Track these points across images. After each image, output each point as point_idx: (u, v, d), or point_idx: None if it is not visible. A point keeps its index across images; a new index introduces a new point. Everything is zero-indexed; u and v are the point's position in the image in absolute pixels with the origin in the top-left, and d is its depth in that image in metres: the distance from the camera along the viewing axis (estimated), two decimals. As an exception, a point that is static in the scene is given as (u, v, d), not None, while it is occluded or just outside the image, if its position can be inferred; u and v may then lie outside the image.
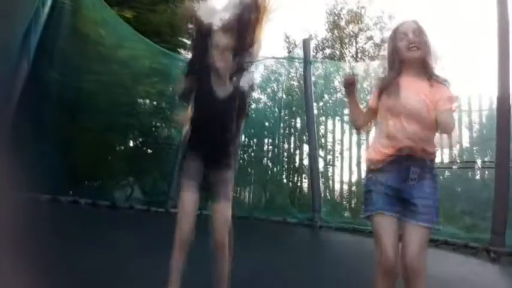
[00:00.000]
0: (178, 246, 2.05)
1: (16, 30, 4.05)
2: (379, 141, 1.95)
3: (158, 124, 7.51)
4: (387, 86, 1.97)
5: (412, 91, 1.92)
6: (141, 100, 7.03)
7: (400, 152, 1.85)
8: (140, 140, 7.37)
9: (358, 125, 2.18)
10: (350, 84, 2.10)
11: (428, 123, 1.87)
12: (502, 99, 4.41)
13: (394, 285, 1.83)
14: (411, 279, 1.77)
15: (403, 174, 1.89)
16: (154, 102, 7.23)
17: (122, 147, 7.22)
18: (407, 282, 1.78)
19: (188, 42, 7.70)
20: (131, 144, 7.41)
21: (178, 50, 7.16)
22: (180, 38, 7.31)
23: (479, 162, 6.25)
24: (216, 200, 2.32)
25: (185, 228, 2.08)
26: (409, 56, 1.94)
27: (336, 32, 13.30)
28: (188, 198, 2.22)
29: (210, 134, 2.20)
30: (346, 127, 7.22)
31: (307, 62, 6.53)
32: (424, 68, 1.96)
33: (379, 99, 1.99)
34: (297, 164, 7.53)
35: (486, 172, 5.97)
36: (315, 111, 6.97)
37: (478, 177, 6.28)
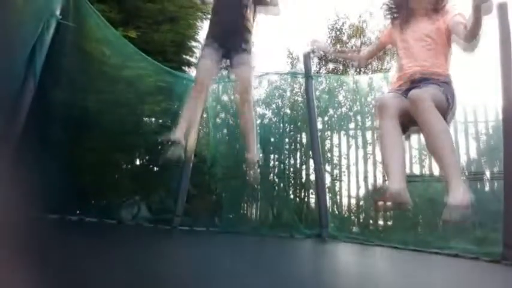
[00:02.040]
0: (196, 87, 2.75)
1: (22, 52, 4.11)
2: (396, 75, 2.19)
3: (164, 142, 7.53)
4: (399, 21, 2.18)
5: (422, 23, 2.10)
6: (146, 118, 7.08)
7: (413, 78, 2.02)
8: (146, 158, 7.39)
9: (360, 62, 2.48)
10: (316, 45, 2.37)
11: (439, 47, 2.04)
12: (507, 109, 4.39)
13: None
14: (417, 107, 1.85)
15: None
16: (160, 120, 7.27)
17: (128, 166, 7.24)
18: (415, 114, 1.89)
19: (192, 60, 7.81)
20: (137, 162, 7.43)
21: (183, 67, 7.23)
22: (184, 56, 7.40)
23: (487, 173, 6.19)
24: (235, 66, 2.89)
25: (203, 74, 2.76)
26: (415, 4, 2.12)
27: (338, 46, 13.38)
28: (205, 62, 2.81)
29: (229, 21, 2.71)
30: (352, 141, 7.21)
31: (308, 76, 6.56)
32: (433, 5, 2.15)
33: (390, 35, 2.22)
34: (303, 180, 7.49)
35: (495, 183, 5.91)
36: (320, 126, 6.97)
37: (487, 188, 6.21)
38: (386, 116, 2.02)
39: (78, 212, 5.28)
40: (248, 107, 2.86)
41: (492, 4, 2.05)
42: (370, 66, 13.17)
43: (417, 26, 2.13)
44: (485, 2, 1.90)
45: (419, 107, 1.89)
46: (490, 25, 4.72)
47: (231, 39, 2.82)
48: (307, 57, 6.91)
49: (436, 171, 6.48)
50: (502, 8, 4.44)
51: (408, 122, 2.10)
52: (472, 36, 2.00)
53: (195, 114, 2.81)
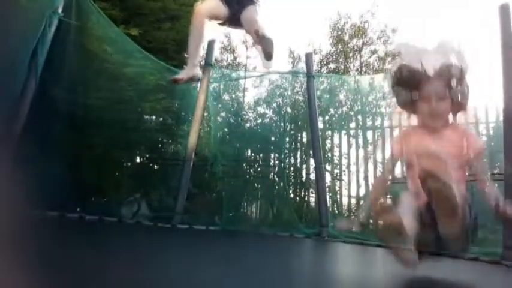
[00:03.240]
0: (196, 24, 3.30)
1: (24, 49, 4.12)
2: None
3: (164, 140, 7.55)
4: (411, 142, 1.96)
5: (436, 143, 1.89)
6: (147, 116, 7.09)
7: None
8: (147, 156, 7.41)
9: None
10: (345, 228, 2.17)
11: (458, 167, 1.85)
12: (508, 111, 4.38)
13: None
14: None
15: None
16: (161, 118, 7.28)
17: (129, 164, 7.26)
18: None
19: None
20: (138, 160, 7.45)
21: (184, 66, 7.23)
22: (185, 55, 7.41)
23: (488, 174, 6.19)
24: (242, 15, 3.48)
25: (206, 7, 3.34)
26: (430, 122, 1.91)
27: (339, 46, 13.38)
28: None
29: None
30: (353, 141, 7.22)
31: (310, 76, 6.56)
32: (448, 120, 1.94)
33: (402, 149, 1.99)
34: (303, 179, 7.51)
35: (496, 185, 5.91)
36: (321, 126, 6.97)
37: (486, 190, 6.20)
38: None
39: (78, 209, 5.29)
40: (261, 32, 3.27)
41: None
42: (371, 66, 13.17)
43: None
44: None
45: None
46: (492, 26, 4.73)
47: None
48: (309, 57, 6.91)
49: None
50: (504, 10, 4.43)
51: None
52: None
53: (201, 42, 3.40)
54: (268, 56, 3.44)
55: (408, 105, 2.07)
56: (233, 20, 3.63)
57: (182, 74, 3.50)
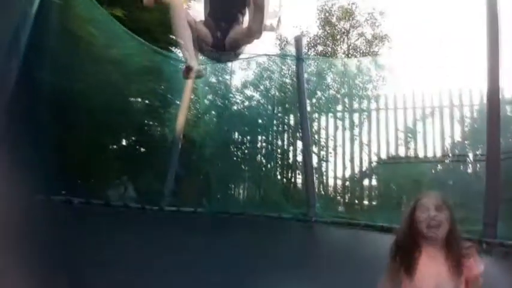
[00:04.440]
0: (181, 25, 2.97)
1: (5, 28, 4.01)
2: None
3: (151, 123, 7.50)
4: (404, 263, 1.87)
5: (432, 270, 1.84)
6: (133, 99, 7.01)
7: None
8: (133, 138, 7.36)
9: None
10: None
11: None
12: (492, 93, 4.45)
13: None
14: None
15: None
16: (147, 101, 7.21)
17: (115, 146, 7.20)
18: None
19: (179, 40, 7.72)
20: (124, 143, 7.39)
21: (170, 48, 7.14)
22: (171, 36, 7.30)
23: (471, 155, 6.32)
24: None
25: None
26: (428, 234, 1.85)
27: (327, 28, 13.33)
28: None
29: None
30: (339, 123, 7.26)
31: (299, 59, 6.54)
32: (445, 247, 1.86)
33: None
34: (290, 160, 7.55)
35: (478, 165, 6.04)
36: (308, 108, 6.99)
37: (469, 170, 6.35)
38: None
39: (63, 192, 5.26)
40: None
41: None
42: (358, 49, 13.18)
43: None
44: None
45: None
46: (477, 6, 4.75)
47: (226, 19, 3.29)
48: (298, 40, 6.88)
49: (421, 153, 6.61)
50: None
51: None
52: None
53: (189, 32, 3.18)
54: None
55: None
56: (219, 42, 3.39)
57: (192, 62, 3.09)
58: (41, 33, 4.58)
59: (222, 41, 3.25)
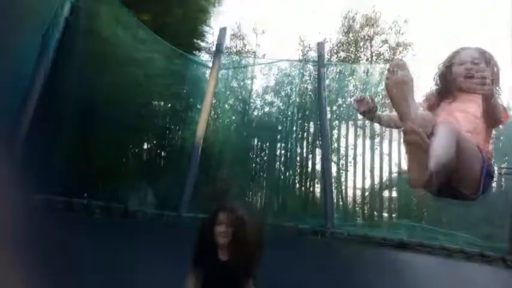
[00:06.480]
0: None
1: (35, 33, 4.11)
2: None
3: (172, 126, 7.54)
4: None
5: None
6: (155, 102, 7.07)
7: None
8: (154, 142, 7.40)
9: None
10: (361, 105, 1.94)
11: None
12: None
13: None
14: None
15: None
16: (169, 104, 7.26)
17: (136, 150, 7.25)
18: None
19: (202, 44, 7.78)
20: (145, 146, 7.44)
21: (194, 52, 7.20)
22: (195, 40, 7.36)
23: (496, 169, 6.15)
24: None
25: None
26: (465, 85, 1.75)
27: (350, 35, 13.20)
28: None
29: None
30: (360, 132, 7.16)
31: (321, 65, 6.49)
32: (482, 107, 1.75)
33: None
34: (309, 169, 7.47)
35: (503, 179, 5.87)
36: (328, 115, 6.92)
37: (494, 185, 6.18)
38: None
39: (85, 195, 5.32)
40: None
41: None
42: (382, 56, 13.01)
43: None
44: None
45: None
46: (502, 13, 4.60)
47: None
48: (321, 46, 6.83)
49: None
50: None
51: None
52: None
53: None
54: None
55: (443, 78, 1.86)
56: None
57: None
58: (69, 36, 4.68)
59: None
